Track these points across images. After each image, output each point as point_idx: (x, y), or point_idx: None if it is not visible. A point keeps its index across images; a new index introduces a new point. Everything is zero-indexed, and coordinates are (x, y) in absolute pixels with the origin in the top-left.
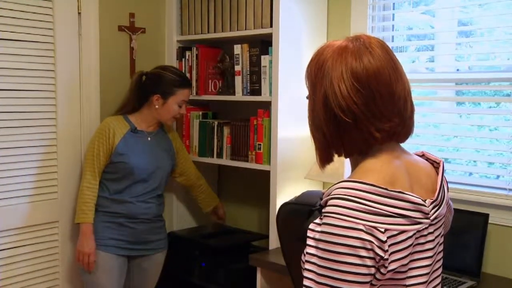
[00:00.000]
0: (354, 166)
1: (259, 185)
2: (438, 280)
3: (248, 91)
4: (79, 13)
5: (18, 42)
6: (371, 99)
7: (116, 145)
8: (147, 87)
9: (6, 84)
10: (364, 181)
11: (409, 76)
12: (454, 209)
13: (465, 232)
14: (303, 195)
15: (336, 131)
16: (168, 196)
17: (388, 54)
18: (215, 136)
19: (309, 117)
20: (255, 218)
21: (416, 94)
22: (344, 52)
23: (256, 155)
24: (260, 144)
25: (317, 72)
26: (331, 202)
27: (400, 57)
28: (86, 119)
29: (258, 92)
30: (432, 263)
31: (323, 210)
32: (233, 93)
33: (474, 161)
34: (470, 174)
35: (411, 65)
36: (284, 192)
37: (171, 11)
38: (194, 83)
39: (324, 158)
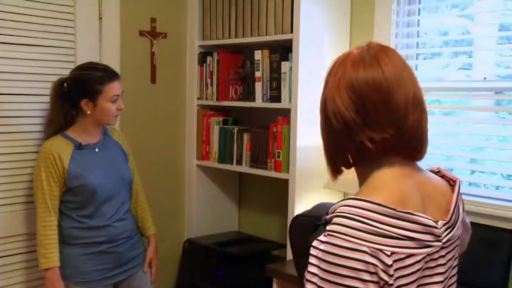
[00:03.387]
0: (361, 180)
1: (280, 193)
2: None
3: (268, 97)
4: (100, 18)
5: (40, 47)
6: (361, 106)
7: (67, 169)
8: (71, 94)
9: (29, 89)
10: (371, 200)
11: (441, 84)
12: (480, 224)
13: (491, 248)
14: (316, 207)
15: (333, 139)
16: (186, 202)
17: (392, 63)
18: (235, 143)
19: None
20: (275, 226)
21: (449, 103)
22: (346, 59)
23: (275, 163)
24: (280, 152)
25: (325, 78)
26: (335, 220)
27: (430, 64)
28: None
29: (277, 99)
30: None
31: (327, 228)
32: (253, 100)
33: (502, 174)
34: (497, 188)
35: (442, 72)
36: (303, 201)
37: (193, 16)
38: (214, 89)
39: (333, 169)
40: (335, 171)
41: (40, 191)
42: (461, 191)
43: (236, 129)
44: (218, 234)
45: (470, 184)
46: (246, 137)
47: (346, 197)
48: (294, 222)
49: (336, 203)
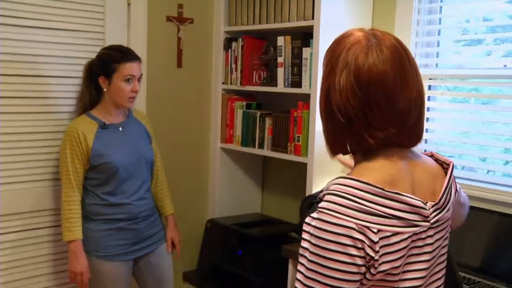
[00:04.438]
0: (356, 163)
1: (301, 176)
2: (438, 283)
3: (290, 83)
4: (128, 4)
5: (70, 31)
6: (367, 106)
7: (91, 148)
8: (93, 71)
9: (60, 72)
10: (360, 179)
11: (481, 71)
12: (496, 212)
13: (505, 236)
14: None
15: (333, 130)
16: (210, 184)
17: (398, 59)
18: (257, 127)
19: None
20: (296, 209)
21: (487, 91)
22: (353, 46)
23: (295, 147)
24: (299, 136)
25: (328, 63)
26: (326, 197)
27: (471, 51)
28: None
29: (298, 84)
30: (430, 267)
31: (318, 205)
32: (276, 85)
33: None
34: None
35: (484, 59)
36: (321, 185)
37: (219, 2)
38: (239, 74)
39: (331, 151)
40: (333, 153)
41: (65, 168)
42: (492, 181)
43: (258, 113)
44: (240, 215)
45: (503, 174)
46: (268, 121)
47: (338, 176)
48: (303, 203)
49: (328, 182)
